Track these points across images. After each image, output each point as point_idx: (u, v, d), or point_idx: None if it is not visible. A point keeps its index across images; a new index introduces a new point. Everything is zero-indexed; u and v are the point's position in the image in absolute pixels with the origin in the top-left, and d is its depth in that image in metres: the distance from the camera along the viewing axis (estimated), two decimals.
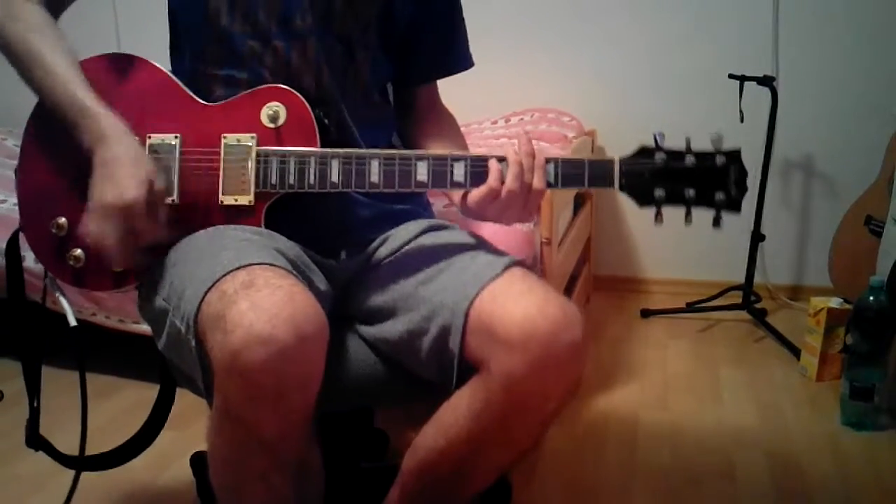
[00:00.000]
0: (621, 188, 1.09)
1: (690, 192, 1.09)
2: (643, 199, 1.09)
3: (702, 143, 1.10)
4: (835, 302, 2.12)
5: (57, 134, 1.17)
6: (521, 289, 1.06)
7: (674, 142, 1.10)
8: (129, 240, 1.07)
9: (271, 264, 0.99)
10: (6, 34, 1.12)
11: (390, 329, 1.16)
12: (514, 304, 1.03)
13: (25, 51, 1.11)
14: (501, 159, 1.09)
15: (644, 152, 1.09)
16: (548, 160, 1.10)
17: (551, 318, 1.01)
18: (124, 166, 1.06)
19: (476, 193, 1.09)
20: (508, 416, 1.05)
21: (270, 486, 1.02)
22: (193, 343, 0.97)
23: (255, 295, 0.92)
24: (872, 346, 1.87)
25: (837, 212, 2.54)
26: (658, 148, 1.09)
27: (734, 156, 1.09)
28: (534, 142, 2.46)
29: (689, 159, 1.09)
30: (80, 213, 1.15)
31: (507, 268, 1.11)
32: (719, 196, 1.08)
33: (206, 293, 0.96)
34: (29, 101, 1.20)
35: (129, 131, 1.10)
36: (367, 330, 1.20)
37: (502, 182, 1.08)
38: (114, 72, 1.19)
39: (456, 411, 1.08)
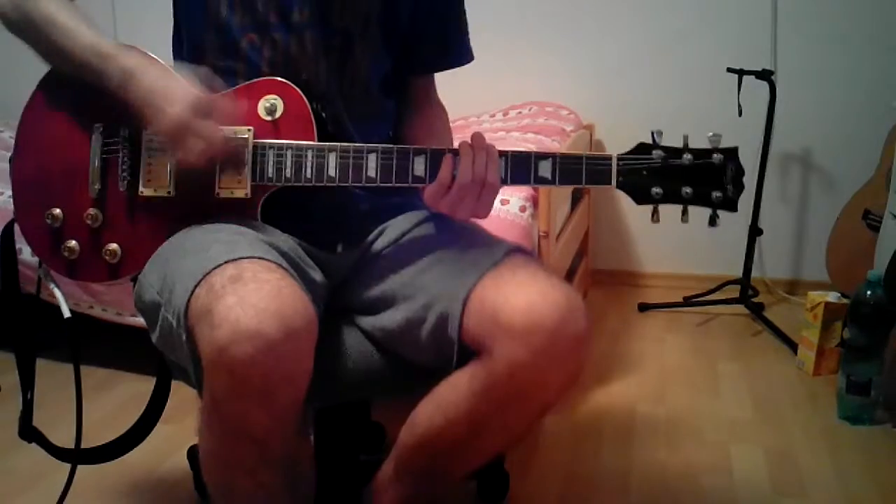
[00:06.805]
0: (619, 186, 1.08)
1: (687, 191, 1.08)
2: (640, 196, 1.09)
3: (700, 139, 1.10)
4: (832, 296, 2.12)
5: (52, 125, 1.17)
6: (523, 276, 1.06)
7: (672, 136, 1.10)
8: (213, 134, 1.08)
9: (261, 258, 0.99)
10: (25, 7, 1.12)
11: (389, 318, 1.16)
12: (517, 291, 1.03)
13: (43, 18, 1.11)
14: (456, 153, 1.09)
15: (642, 149, 1.09)
16: (543, 155, 1.09)
17: (555, 307, 1.01)
18: (166, 87, 1.07)
19: (429, 188, 1.09)
20: (508, 401, 1.05)
21: (259, 481, 1.02)
22: (184, 337, 0.97)
23: (242, 289, 0.92)
24: (870, 341, 1.87)
25: (835, 206, 2.54)
26: (656, 145, 1.09)
27: (731, 154, 1.08)
28: (532, 135, 2.46)
29: (687, 157, 1.08)
30: (74, 204, 1.15)
31: (506, 254, 1.11)
32: (716, 195, 1.08)
33: (195, 287, 0.96)
34: (25, 92, 1.19)
35: (152, 58, 1.11)
36: (366, 320, 1.20)
37: (454, 177, 1.08)
38: None
39: (456, 390, 1.08)
